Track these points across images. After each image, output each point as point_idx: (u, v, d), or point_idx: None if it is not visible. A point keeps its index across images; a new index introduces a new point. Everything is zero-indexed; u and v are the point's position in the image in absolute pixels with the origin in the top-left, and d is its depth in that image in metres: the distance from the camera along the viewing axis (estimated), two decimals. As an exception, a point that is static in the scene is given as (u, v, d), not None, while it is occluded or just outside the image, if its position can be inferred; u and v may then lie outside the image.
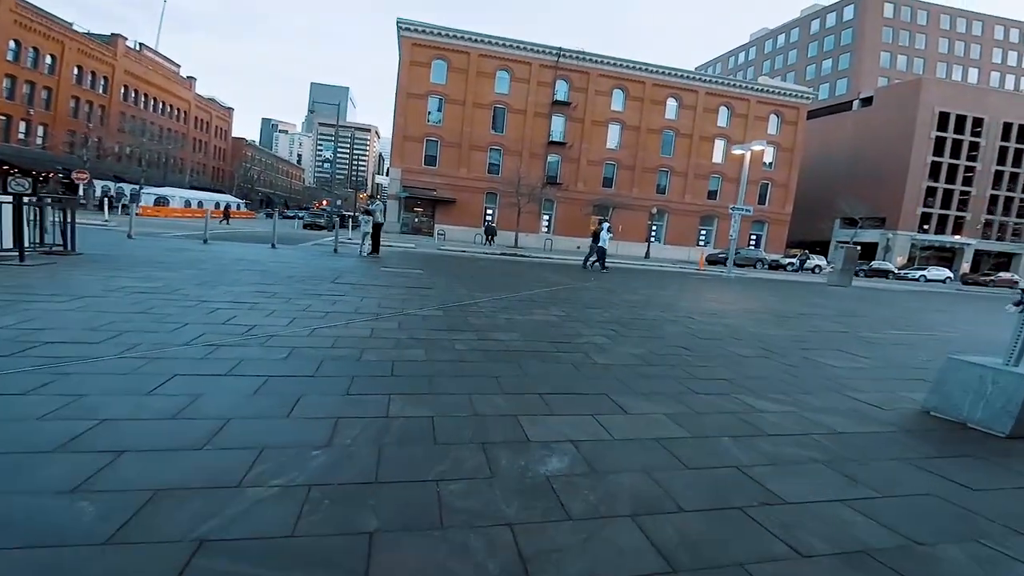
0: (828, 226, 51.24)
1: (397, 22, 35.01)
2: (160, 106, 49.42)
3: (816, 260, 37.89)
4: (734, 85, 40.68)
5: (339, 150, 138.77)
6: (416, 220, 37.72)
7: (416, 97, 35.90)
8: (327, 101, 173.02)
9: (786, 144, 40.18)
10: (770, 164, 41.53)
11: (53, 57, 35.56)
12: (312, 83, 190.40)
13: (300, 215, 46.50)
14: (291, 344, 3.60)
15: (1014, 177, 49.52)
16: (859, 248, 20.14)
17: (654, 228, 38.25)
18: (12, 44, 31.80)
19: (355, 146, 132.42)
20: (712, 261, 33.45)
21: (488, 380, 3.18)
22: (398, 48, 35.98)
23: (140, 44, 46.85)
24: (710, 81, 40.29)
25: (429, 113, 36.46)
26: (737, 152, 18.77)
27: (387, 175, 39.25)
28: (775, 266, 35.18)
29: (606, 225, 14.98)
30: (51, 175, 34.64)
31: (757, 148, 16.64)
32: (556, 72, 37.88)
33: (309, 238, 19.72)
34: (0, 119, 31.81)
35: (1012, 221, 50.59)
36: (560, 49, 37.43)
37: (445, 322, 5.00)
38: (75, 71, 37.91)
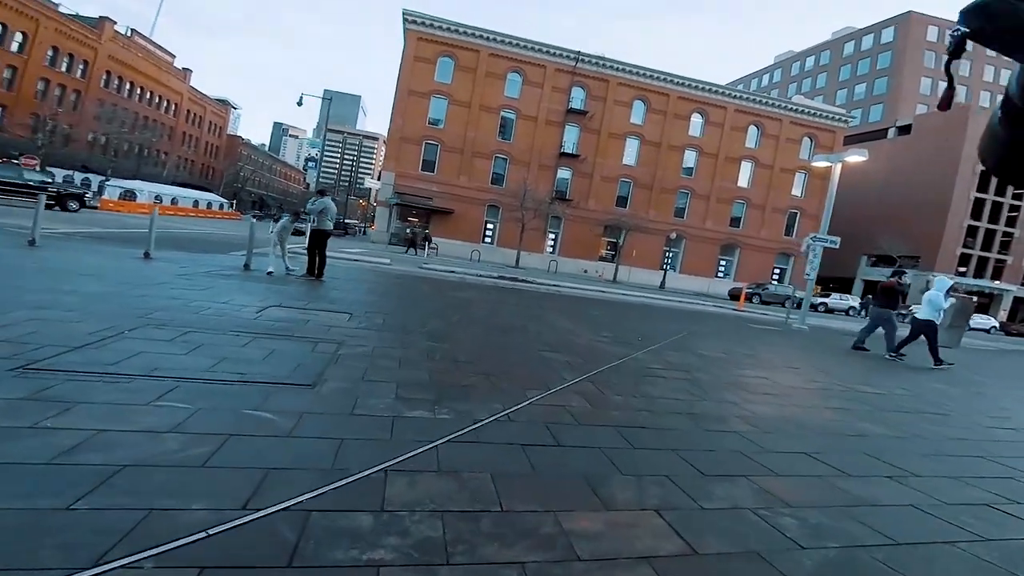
0: (853, 262, 47.43)
1: (403, 13, 31.81)
2: (148, 96, 46.26)
3: (849, 300, 33.84)
4: (767, 103, 37.27)
5: (334, 156, 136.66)
6: (409, 231, 33.87)
7: (418, 95, 32.45)
8: (340, 109, 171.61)
9: (819, 171, 36.50)
10: (801, 193, 37.88)
11: (24, 35, 32.34)
12: (325, 90, 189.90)
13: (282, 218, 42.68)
14: None
15: (1060, 221, 45.80)
16: (975, 300, 16.11)
17: (669, 255, 34.31)
18: (-25, 18, 28.57)
19: (362, 154, 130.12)
20: (734, 296, 29.45)
21: None
22: (403, 41, 32.69)
23: (132, 30, 43.95)
24: (741, 97, 36.87)
25: (430, 114, 32.95)
26: (820, 165, 14.91)
27: (379, 178, 35.51)
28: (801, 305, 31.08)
29: (947, 280, 8.67)
30: (4, 160, 31.03)
31: (853, 159, 12.71)
32: (573, 78, 34.56)
33: (269, 243, 15.63)
34: (-55, 92, 28.29)
35: (1056, 269, 46.65)
36: (579, 53, 34.15)
37: None
38: (49, 52, 34.66)
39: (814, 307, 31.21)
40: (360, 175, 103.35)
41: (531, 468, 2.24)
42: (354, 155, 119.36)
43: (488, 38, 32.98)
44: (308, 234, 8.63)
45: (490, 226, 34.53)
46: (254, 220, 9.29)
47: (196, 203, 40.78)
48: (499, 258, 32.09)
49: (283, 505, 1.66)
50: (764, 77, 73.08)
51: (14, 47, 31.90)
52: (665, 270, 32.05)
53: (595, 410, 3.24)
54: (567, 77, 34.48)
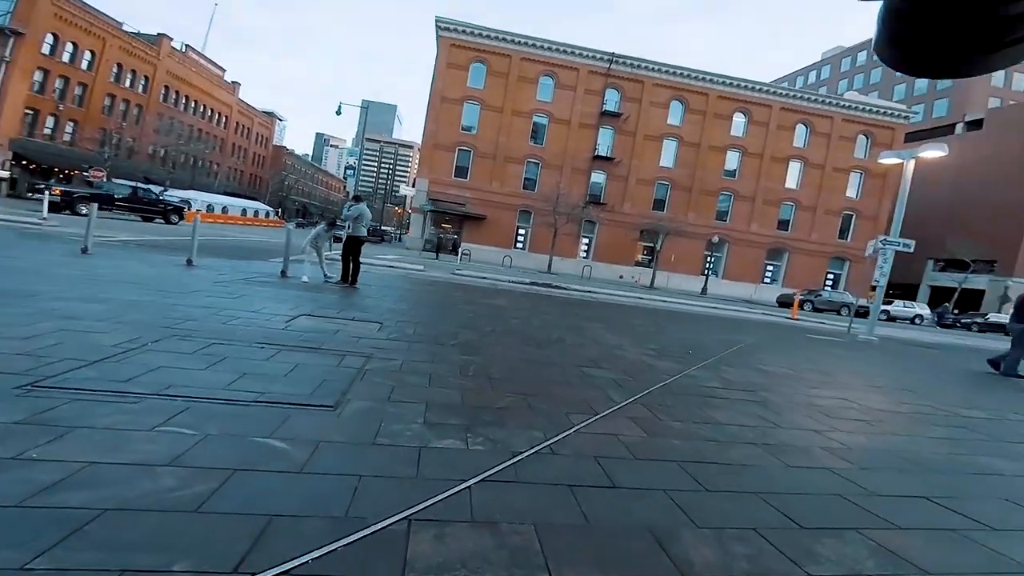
0: (918, 267, 43.92)
1: (436, 21, 32.25)
2: (200, 109, 49.07)
3: (915, 308, 31.17)
4: (817, 100, 35.22)
5: (372, 164, 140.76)
6: (442, 237, 34.09)
7: (451, 102, 32.72)
8: (377, 118, 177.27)
9: (876, 170, 34.00)
10: (856, 194, 35.47)
11: (92, 53, 34.95)
12: (363, 100, 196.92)
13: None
14: None
15: None
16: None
17: (710, 259, 32.81)
18: (50, 38, 31.10)
19: (398, 162, 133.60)
20: (783, 303, 27.74)
21: None
22: (436, 49, 33.12)
23: (186, 45, 46.78)
24: (788, 95, 35.02)
25: (463, 120, 33.13)
26: (887, 162, 13.72)
27: (413, 186, 35.99)
28: (862, 312, 28.89)
29: None
30: (75, 173, 33.60)
31: (929, 154, 11.54)
32: (607, 80, 33.91)
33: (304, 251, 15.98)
34: (27, 113, 30.88)
35: None
36: (613, 54, 33.48)
37: None
38: (115, 69, 37.34)
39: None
40: (396, 182, 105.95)
41: (583, 517, 1.85)
42: (391, 163, 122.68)
43: (520, 42, 32.88)
44: (343, 240, 8.54)
45: (522, 231, 34.25)
46: (292, 228, 9.29)
47: (244, 211, 42.86)
48: (531, 263, 31.72)
49: (281, 569, 1.35)
50: (811, 74, 69.40)
51: (84, 65, 34.51)
52: (707, 275, 30.65)
53: (652, 440, 2.80)
54: (601, 79, 33.85)
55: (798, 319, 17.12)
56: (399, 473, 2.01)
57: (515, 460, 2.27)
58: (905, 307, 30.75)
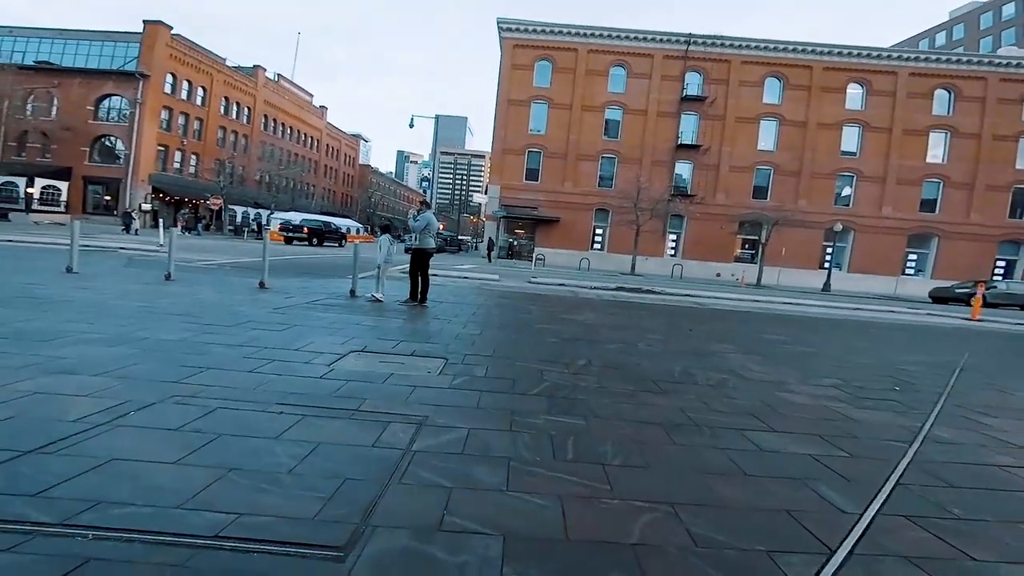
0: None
1: (497, 22, 31.64)
2: (295, 133, 53.58)
3: None
4: (962, 61, 29.11)
5: (447, 176, 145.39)
6: (516, 243, 33.28)
7: (517, 104, 31.84)
8: (450, 133, 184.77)
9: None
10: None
11: (204, 89, 39.39)
12: (436, 115, 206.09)
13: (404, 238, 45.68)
14: None
15: None
16: None
17: (831, 251, 28.16)
18: (169, 78, 35.50)
19: (472, 173, 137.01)
20: (939, 298, 22.74)
21: None
22: (499, 51, 32.52)
23: (278, 75, 51.30)
24: (919, 59, 29.34)
25: (531, 121, 32.07)
26: None
27: (486, 193, 35.70)
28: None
29: None
30: (199, 202, 38.11)
31: None
32: (685, 63, 30.92)
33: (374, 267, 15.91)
34: (159, 150, 35.57)
35: None
36: (690, 35, 30.47)
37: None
38: (223, 102, 41.76)
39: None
40: (471, 192, 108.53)
41: None
42: (464, 174, 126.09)
43: (587, 34, 31.10)
44: (410, 254, 7.68)
45: (599, 231, 32.29)
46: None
47: (350, 229, 45.84)
48: (611, 265, 29.66)
49: None
50: (938, 36, 58.53)
51: (198, 100, 39.04)
52: (829, 269, 26.26)
53: None
54: (678, 63, 30.92)
55: (980, 320, 13.25)
56: None
57: None
58: None
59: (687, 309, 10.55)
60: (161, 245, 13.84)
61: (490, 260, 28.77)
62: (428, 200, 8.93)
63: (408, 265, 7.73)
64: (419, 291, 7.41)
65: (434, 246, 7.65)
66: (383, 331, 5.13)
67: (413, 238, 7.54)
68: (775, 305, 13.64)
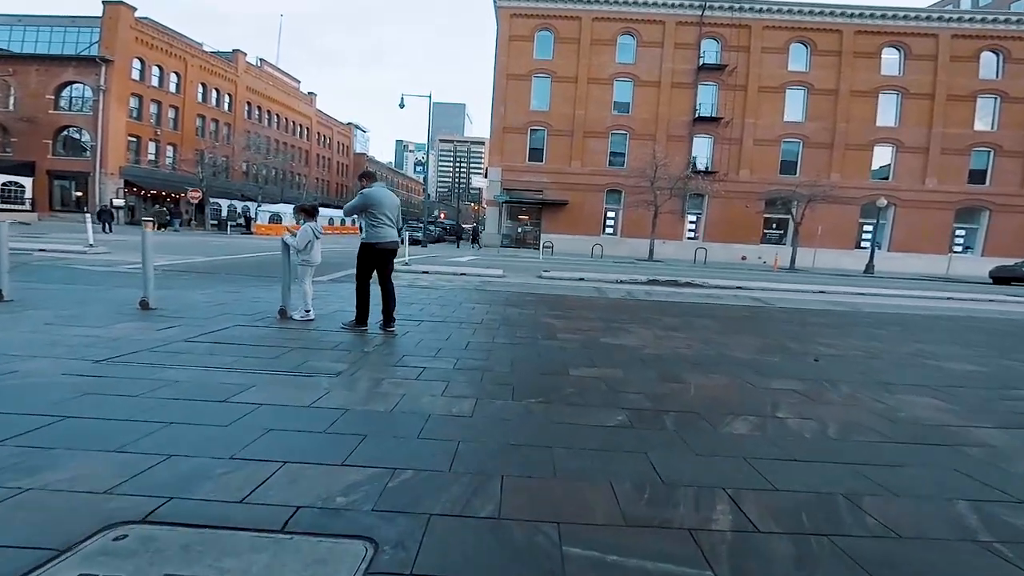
0: None
1: (494, -11, 28.59)
2: (282, 121, 50.59)
3: None
4: (1011, 20, 26.22)
5: (447, 165, 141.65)
6: (520, 230, 30.67)
7: (517, 79, 28.93)
8: (447, 120, 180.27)
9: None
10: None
11: (177, 75, 36.41)
12: (432, 103, 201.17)
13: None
14: None
15: None
16: None
17: (869, 229, 25.46)
18: (137, 63, 32.59)
19: (471, 160, 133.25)
20: (1000, 278, 20.21)
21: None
22: (496, 24, 29.49)
23: (261, 60, 48.15)
24: (961, 19, 26.37)
25: (533, 97, 29.20)
26: None
27: (486, 176, 32.93)
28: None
29: None
30: (179, 196, 35.44)
31: None
32: (701, 30, 27.97)
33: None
34: (130, 140, 32.86)
35: None
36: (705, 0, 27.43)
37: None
38: (200, 89, 38.75)
39: None
40: (471, 176, 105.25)
41: None
42: (464, 162, 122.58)
43: (590, 0, 28.05)
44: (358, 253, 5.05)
45: (611, 214, 29.63)
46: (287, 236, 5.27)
47: (331, 221, 43.10)
48: (625, 250, 27.09)
49: None
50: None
51: (172, 87, 36.10)
52: (872, 249, 23.64)
53: None
54: (693, 30, 27.96)
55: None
56: None
57: None
58: None
59: (756, 312, 8.01)
60: (91, 245, 11.38)
61: (478, 245, 27.98)
62: (370, 170, 5.29)
63: (355, 268, 4.97)
64: (383, 310, 4.83)
65: (395, 239, 4.90)
66: (300, 418, 2.65)
67: (359, 228, 4.84)
68: (850, 298, 11.05)
